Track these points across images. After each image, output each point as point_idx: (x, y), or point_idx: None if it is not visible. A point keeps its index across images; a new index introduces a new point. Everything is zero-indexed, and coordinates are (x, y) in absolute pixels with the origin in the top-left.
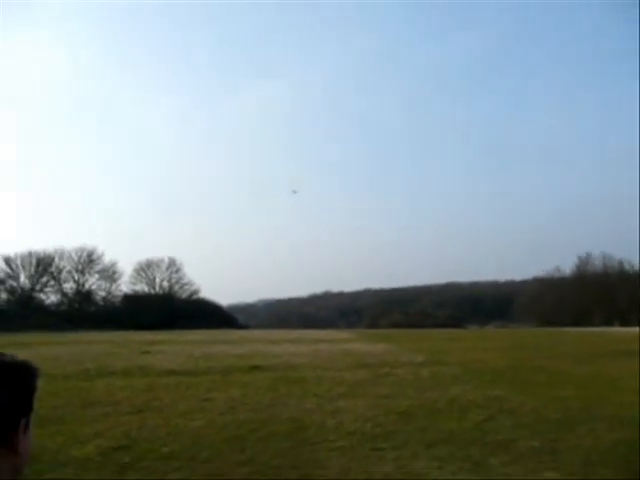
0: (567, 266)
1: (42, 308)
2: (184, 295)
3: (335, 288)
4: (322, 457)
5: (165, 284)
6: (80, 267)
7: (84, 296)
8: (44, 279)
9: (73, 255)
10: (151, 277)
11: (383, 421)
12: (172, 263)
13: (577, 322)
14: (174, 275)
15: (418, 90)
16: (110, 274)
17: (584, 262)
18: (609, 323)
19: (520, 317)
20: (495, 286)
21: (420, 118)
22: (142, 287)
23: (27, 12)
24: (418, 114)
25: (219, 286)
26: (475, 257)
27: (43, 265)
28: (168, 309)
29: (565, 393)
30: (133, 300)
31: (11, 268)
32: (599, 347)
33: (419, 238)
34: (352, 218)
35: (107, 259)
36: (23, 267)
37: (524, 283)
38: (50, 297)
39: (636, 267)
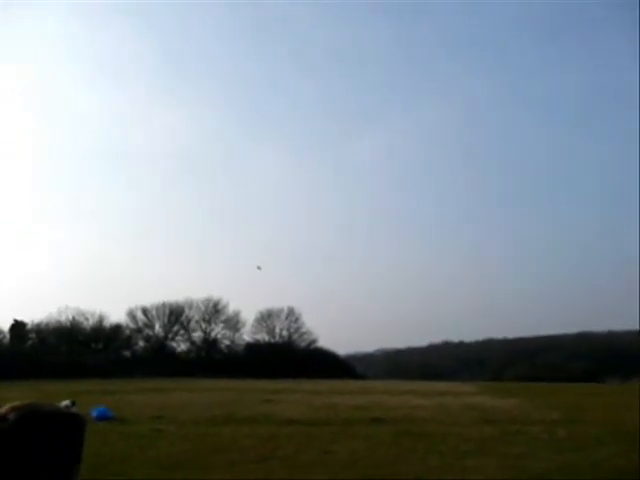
0: None
1: (173, 355)
2: (303, 344)
3: (455, 338)
4: None
5: (285, 333)
6: (207, 317)
7: (210, 344)
8: (175, 328)
9: (200, 305)
10: (271, 326)
11: None
12: (291, 312)
13: None
14: (293, 324)
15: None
16: (234, 323)
17: None
18: None
19: None
20: (638, 336)
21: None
22: (263, 336)
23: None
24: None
25: (337, 335)
26: (611, 303)
27: (175, 315)
28: (287, 358)
29: None
30: (255, 349)
31: (148, 318)
32: None
33: (540, 284)
34: (476, 265)
35: (231, 309)
36: (158, 317)
37: None
38: (180, 345)
39: None
